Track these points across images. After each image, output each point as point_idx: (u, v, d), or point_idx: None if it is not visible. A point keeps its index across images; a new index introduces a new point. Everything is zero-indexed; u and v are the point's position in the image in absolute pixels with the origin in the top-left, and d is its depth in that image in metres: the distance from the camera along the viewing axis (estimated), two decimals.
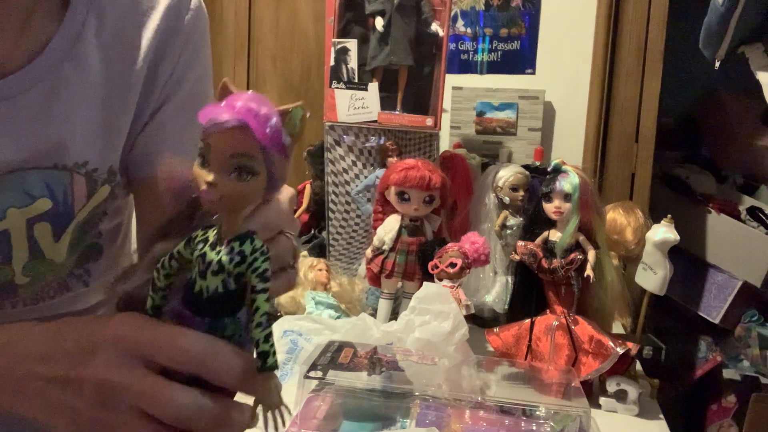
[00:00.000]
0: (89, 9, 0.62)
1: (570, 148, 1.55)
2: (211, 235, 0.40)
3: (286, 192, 0.47)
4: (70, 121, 0.61)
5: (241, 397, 0.43)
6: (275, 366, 0.39)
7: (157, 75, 0.66)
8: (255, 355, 0.39)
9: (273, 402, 0.39)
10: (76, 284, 0.69)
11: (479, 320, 1.12)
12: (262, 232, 0.42)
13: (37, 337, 0.45)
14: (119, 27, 0.64)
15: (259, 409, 0.40)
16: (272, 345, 0.39)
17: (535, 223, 0.94)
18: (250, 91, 0.38)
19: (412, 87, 1.21)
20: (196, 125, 0.74)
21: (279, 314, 1.06)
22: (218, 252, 0.39)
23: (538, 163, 1.36)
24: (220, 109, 0.37)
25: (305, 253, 1.26)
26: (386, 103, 1.21)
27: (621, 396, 0.87)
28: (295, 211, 1.36)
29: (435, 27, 1.20)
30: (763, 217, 1.50)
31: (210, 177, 0.37)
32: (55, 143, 0.61)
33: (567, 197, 0.89)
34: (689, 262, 1.52)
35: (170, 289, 0.42)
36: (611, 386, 0.87)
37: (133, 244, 0.78)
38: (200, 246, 0.40)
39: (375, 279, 1.05)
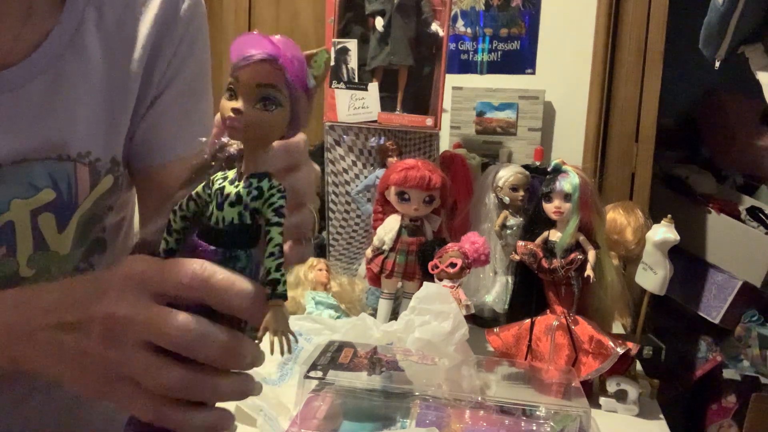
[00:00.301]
0: (89, 0, 0.63)
1: (570, 148, 1.55)
2: (231, 173, 0.42)
3: (314, 168, 0.47)
4: (72, 111, 0.61)
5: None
6: (284, 295, 0.40)
7: (156, 64, 0.67)
8: (265, 284, 0.40)
9: (280, 327, 0.39)
10: None
11: (479, 320, 1.12)
12: (289, 195, 0.43)
13: (50, 291, 0.46)
14: (118, 17, 0.65)
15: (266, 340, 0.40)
16: (283, 275, 0.39)
17: (535, 223, 0.94)
18: (279, 35, 0.39)
19: (412, 87, 1.21)
20: (195, 113, 0.73)
21: None
22: (237, 185, 0.40)
23: (538, 163, 1.36)
24: (250, 43, 0.38)
25: None
26: (386, 103, 1.21)
27: (621, 396, 0.87)
28: None
29: (435, 27, 1.20)
30: (763, 217, 1.51)
31: (237, 104, 0.38)
32: (58, 134, 0.61)
33: (567, 197, 0.89)
34: (689, 262, 1.52)
35: (185, 233, 0.43)
36: (611, 386, 0.87)
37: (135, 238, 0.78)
38: (219, 182, 0.41)
39: (375, 279, 1.05)
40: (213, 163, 0.44)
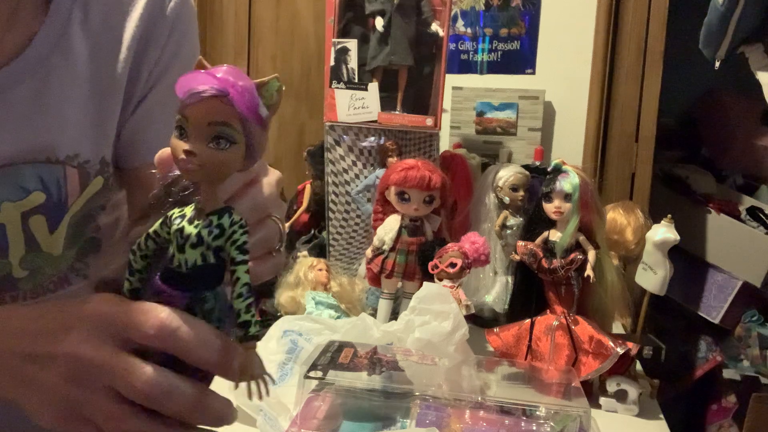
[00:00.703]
0: (74, 1, 0.63)
1: (570, 148, 1.55)
2: (188, 210, 0.40)
3: (273, 174, 0.47)
4: (60, 113, 0.61)
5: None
6: (257, 336, 0.39)
7: (143, 64, 0.66)
8: (236, 326, 0.39)
9: (256, 371, 0.38)
10: (76, 278, 0.70)
11: (479, 320, 1.12)
12: (251, 213, 0.42)
13: (20, 316, 0.45)
14: (104, 17, 0.64)
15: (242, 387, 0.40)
16: (253, 315, 0.38)
17: (535, 223, 0.94)
18: (226, 65, 0.38)
19: (412, 87, 1.21)
20: None
21: (279, 314, 1.06)
22: (196, 225, 0.39)
23: (538, 163, 1.36)
24: (198, 79, 0.36)
25: (305, 253, 1.26)
26: (386, 103, 1.21)
27: (621, 396, 0.87)
28: (296, 210, 1.36)
29: (435, 27, 1.20)
30: (763, 217, 1.50)
31: (187, 145, 0.37)
32: (46, 136, 0.61)
33: (567, 197, 0.89)
34: (689, 262, 1.52)
35: (148, 271, 0.42)
36: (611, 386, 0.87)
37: None
38: (178, 221, 0.40)
39: (375, 279, 1.05)
40: (169, 199, 0.43)
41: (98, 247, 0.71)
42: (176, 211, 0.41)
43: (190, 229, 0.39)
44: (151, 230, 0.41)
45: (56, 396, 0.41)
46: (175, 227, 0.40)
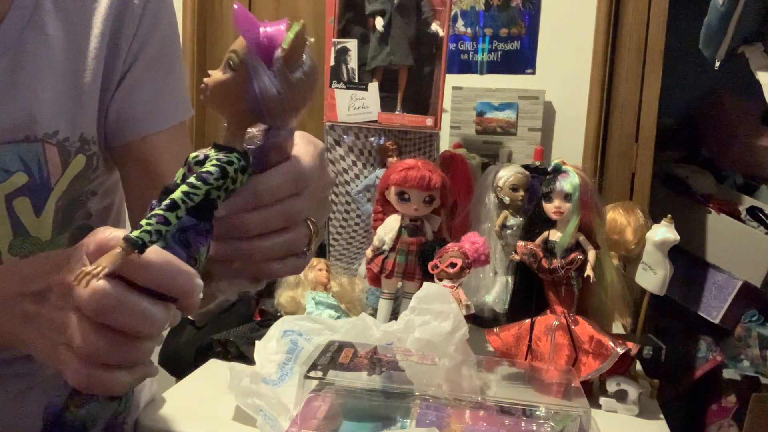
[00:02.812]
0: None
1: (570, 148, 1.55)
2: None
3: (314, 146, 0.46)
4: (36, 91, 0.61)
5: None
6: (130, 240, 0.37)
7: (120, 38, 0.66)
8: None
9: (104, 262, 0.37)
10: None
11: (479, 320, 1.12)
12: (292, 185, 0.43)
13: (23, 265, 0.48)
14: None
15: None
16: (150, 224, 0.37)
17: (535, 223, 0.94)
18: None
19: (412, 87, 1.21)
20: (167, 85, 0.73)
21: (279, 314, 1.06)
22: (203, 152, 0.41)
23: (538, 163, 1.36)
24: (250, 20, 0.40)
25: None
26: (386, 103, 1.21)
27: (621, 396, 0.87)
28: None
29: (435, 27, 1.20)
30: (763, 217, 1.50)
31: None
32: (24, 115, 0.61)
33: (567, 197, 0.89)
34: (689, 262, 1.52)
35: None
36: (611, 386, 0.87)
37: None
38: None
39: (375, 279, 1.05)
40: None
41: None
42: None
43: (195, 153, 0.41)
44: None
45: (48, 324, 0.42)
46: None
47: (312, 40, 0.41)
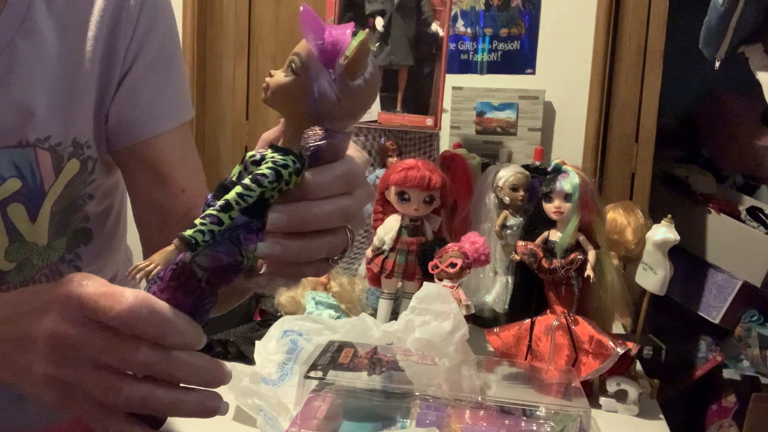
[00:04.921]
0: None
1: (570, 148, 1.55)
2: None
3: (362, 154, 0.46)
4: (29, 95, 0.60)
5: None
6: (185, 238, 0.38)
7: (117, 40, 0.65)
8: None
9: (156, 259, 0.38)
10: (68, 270, 0.69)
11: (479, 320, 1.12)
12: (342, 181, 0.42)
13: (1, 303, 0.45)
14: None
15: None
16: (204, 224, 0.38)
17: (535, 223, 0.94)
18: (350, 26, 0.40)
19: (412, 87, 1.21)
20: (167, 86, 0.72)
21: (279, 314, 1.06)
22: (259, 152, 0.41)
23: (538, 163, 1.36)
24: (317, 23, 0.39)
25: None
26: (386, 103, 1.21)
27: (621, 396, 0.87)
28: None
29: (435, 27, 1.20)
30: (763, 217, 1.51)
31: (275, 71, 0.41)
32: (16, 119, 0.60)
33: (567, 197, 0.89)
34: (689, 262, 1.52)
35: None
36: (611, 386, 0.87)
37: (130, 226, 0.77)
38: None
39: (375, 279, 1.05)
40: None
41: (89, 237, 0.70)
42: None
43: (252, 152, 0.41)
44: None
45: (47, 378, 0.42)
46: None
47: (374, 48, 0.41)
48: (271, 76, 0.40)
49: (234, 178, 0.42)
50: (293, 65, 0.39)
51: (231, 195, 0.39)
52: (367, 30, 0.40)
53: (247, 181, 0.39)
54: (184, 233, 0.38)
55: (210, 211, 0.38)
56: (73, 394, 0.41)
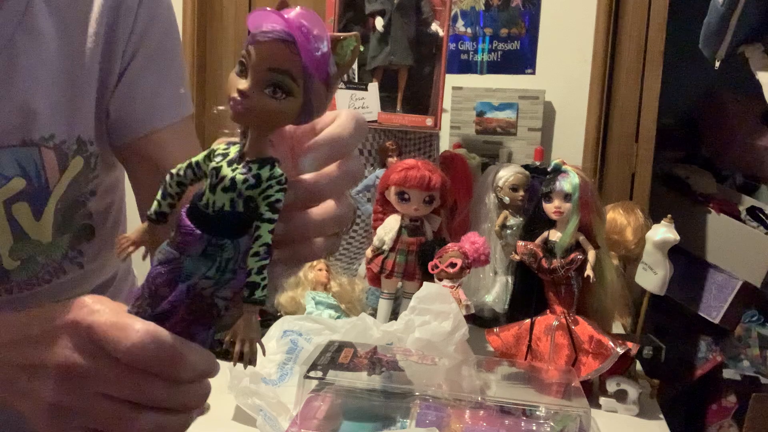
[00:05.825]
0: None
1: (570, 148, 1.55)
2: (233, 151, 0.38)
3: (346, 114, 0.43)
4: (31, 93, 0.60)
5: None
6: (262, 300, 0.37)
7: (117, 35, 0.65)
8: (245, 285, 0.37)
9: (249, 335, 0.36)
10: (71, 267, 0.69)
11: (479, 320, 1.12)
12: (329, 152, 0.40)
13: (8, 324, 0.45)
14: None
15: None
16: (264, 278, 0.37)
17: (535, 223, 0.94)
18: (304, 9, 0.35)
19: (412, 87, 1.21)
20: (168, 80, 0.72)
21: (279, 314, 1.06)
22: (234, 169, 0.37)
23: (538, 163, 1.36)
24: (270, 18, 0.34)
25: None
26: (386, 103, 1.21)
27: (621, 396, 0.87)
28: None
29: (435, 27, 1.20)
30: (763, 217, 1.51)
31: (243, 85, 0.35)
32: (19, 118, 0.60)
33: (567, 197, 0.89)
34: (689, 262, 1.52)
35: (179, 199, 0.41)
36: (611, 386, 0.87)
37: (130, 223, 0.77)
38: (218, 159, 0.38)
39: (375, 279, 1.05)
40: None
41: (92, 234, 0.70)
42: (221, 147, 0.39)
43: (226, 172, 0.37)
44: (194, 159, 0.40)
45: (50, 405, 0.41)
46: (213, 164, 0.38)
47: (362, 49, 0.39)
48: (245, 94, 0.35)
49: (197, 160, 0.40)
50: (282, 86, 0.35)
51: (265, 236, 0.37)
52: (356, 33, 0.37)
53: (268, 213, 0.37)
54: (254, 296, 0.37)
55: (262, 262, 0.37)
56: (70, 424, 0.41)
